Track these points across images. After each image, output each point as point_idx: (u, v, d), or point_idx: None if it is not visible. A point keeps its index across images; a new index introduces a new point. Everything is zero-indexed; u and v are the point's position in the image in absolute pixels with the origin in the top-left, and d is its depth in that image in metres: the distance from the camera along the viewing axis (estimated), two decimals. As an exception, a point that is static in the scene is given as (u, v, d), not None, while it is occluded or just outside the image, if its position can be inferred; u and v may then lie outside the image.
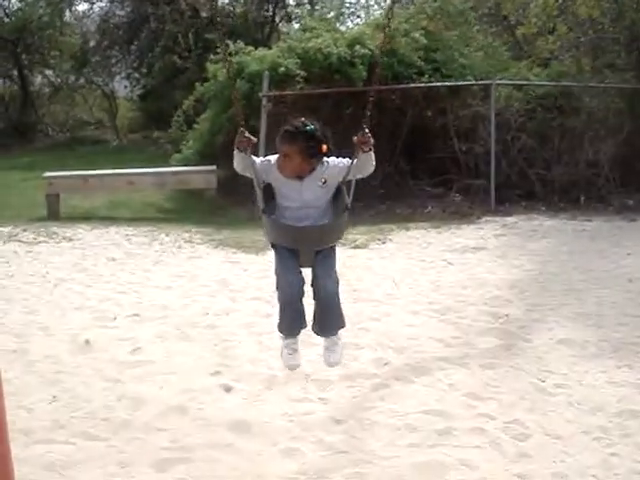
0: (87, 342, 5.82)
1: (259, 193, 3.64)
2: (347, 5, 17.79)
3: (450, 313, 6.56)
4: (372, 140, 3.48)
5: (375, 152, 3.56)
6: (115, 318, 6.49)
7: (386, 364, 5.41)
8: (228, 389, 4.97)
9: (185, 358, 5.55)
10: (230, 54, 12.07)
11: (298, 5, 21.74)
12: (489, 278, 7.77)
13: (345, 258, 7.66)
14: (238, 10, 22.12)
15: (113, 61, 22.72)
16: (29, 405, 4.69)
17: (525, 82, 12.84)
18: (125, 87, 23.06)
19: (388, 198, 12.02)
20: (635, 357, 5.48)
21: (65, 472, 3.93)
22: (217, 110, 12.54)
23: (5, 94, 23.36)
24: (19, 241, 9.63)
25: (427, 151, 12.54)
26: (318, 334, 3.88)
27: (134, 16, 21.89)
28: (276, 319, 3.82)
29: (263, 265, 7.83)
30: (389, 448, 4.18)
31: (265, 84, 11.46)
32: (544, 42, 13.67)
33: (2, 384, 2.90)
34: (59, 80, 23.63)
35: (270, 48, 13.27)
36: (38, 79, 24.11)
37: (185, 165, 12.74)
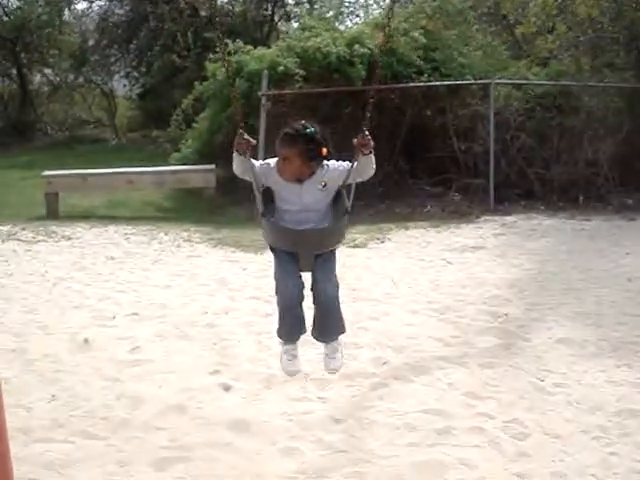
0: (86, 341, 5.81)
1: (258, 197, 3.61)
2: (346, 4, 17.79)
3: (449, 312, 6.56)
4: (372, 142, 3.45)
5: (375, 152, 3.53)
6: (114, 317, 6.49)
7: (385, 363, 5.41)
8: (227, 388, 4.97)
9: (184, 357, 5.55)
10: (229, 53, 12.06)
11: (297, 4, 21.72)
12: (488, 277, 7.78)
13: (344, 257, 7.64)
14: (237, 9, 22.12)
15: (112, 60, 22.69)
16: (28, 404, 4.68)
17: (524, 81, 12.85)
18: (124, 86, 23.04)
19: (387, 197, 12.02)
20: (634, 356, 5.48)
21: (64, 471, 3.92)
22: (216, 109, 12.53)
23: (4, 93, 23.36)
24: (18, 240, 9.63)
25: (426, 150, 12.54)
26: (318, 339, 3.84)
27: (133, 15, 21.88)
28: (275, 323, 3.79)
29: (262, 264, 7.83)
30: (388, 447, 4.18)
31: (264, 83, 11.46)
32: (543, 41, 13.68)
33: (1, 383, 2.90)
34: (58, 79, 23.63)
35: (269, 47, 13.26)
36: (37, 78, 24.12)
37: (184, 164, 12.73)
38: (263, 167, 3.61)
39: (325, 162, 3.57)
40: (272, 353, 5.16)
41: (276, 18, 22.62)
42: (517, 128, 12.25)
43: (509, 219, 11.02)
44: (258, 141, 11.04)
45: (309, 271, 3.66)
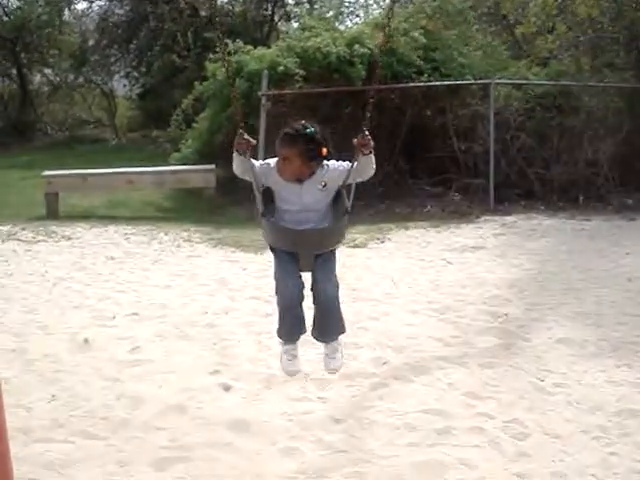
0: (86, 341, 5.81)
1: (258, 197, 3.61)
2: (346, 4, 17.80)
3: (449, 312, 6.56)
4: (372, 142, 3.44)
5: (374, 152, 3.52)
6: (114, 317, 6.49)
7: (385, 363, 5.41)
8: (227, 388, 4.97)
9: (184, 357, 5.55)
10: (230, 53, 12.06)
11: (297, 4, 21.72)
12: (488, 277, 7.77)
13: (344, 257, 7.63)
14: (237, 9, 22.12)
15: (112, 60, 22.68)
16: (28, 404, 4.68)
17: (524, 81, 12.85)
18: (124, 86, 23.04)
19: (387, 197, 12.02)
20: (634, 356, 5.48)
21: (64, 471, 3.92)
22: (216, 109, 12.53)
23: (4, 93, 23.36)
24: (18, 240, 9.63)
25: (426, 150, 12.53)
26: (318, 339, 3.84)
27: (133, 15, 21.87)
28: (275, 323, 3.79)
29: (262, 264, 7.83)
30: (388, 447, 4.18)
31: (264, 83, 11.46)
32: (543, 41, 13.68)
33: (1, 383, 2.90)
34: (58, 79, 23.63)
35: (269, 47, 13.26)
36: (37, 78, 24.12)
37: (184, 164, 12.73)
38: (263, 167, 3.61)
39: (325, 162, 3.56)
40: (272, 353, 5.16)
41: (276, 18, 22.63)
42: (517, 128, 12.25)
43: (509, 219, 11.03)
44: (258, 141, 11.05)
45: (309, 271, 3.65)
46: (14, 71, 23.05)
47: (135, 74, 22.54)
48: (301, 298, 3.64)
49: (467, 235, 9.98)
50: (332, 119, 11.83)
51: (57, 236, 9.88)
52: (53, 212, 11.34)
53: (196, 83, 13.46)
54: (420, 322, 6.34)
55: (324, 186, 3.57)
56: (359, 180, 3.59)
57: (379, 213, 11.50)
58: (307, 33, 12.72)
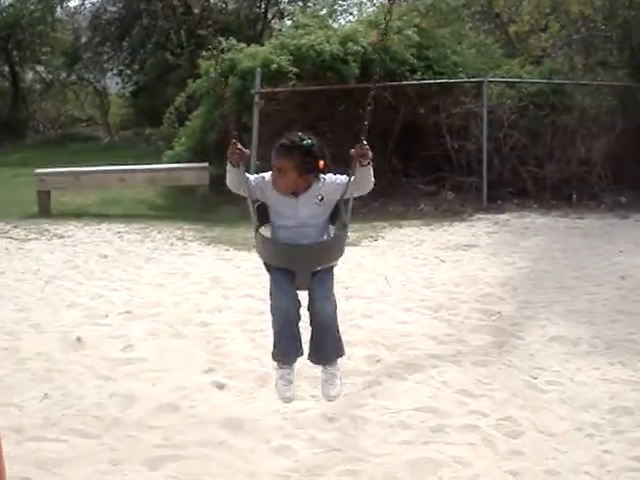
0: (79, 339, 5.79)
1: (252, 211, 3.49)
2: (340, 2, 17.80)
3: (442, 310, 6.56)
4: (370, 153, 3.32)
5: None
6: (107, 315, 6.46)
7: (378, 361, 5.40)
8: (221, 386, 4.96)
9: (177, 355, 5.53)
10: (222, 50, 12.04)
11: (290, 2, 21.73)
12: (481, 275, 7.78)
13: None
14: (230, 7, 22.11)
15: (105, 57, 22.66)
16: (20, 403, 4.66)
17: (517, 80, 12.87)
18: (117, 84, 23.00)
19: (381, 196, 11.98)
20: (627, 354, 5.49)
21: (56, 470, 3.90)
22: (209, 107, 12.52)
23: (-4, 90, 23.32)
24: (10, 238, 9.60)
25: (420, 149, 12.55)
26: (315, 363, 3.67)
27: (126, 12, 21.83)
28: (270, 345, 3.63)
29: (256, 262, 7.70)
30: (382, 445, 4.17)
31: (257, 81, 11.44)
32: (536, 40, 13.73)
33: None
34: (50, 76, 23.58)
35: (262, 45, 13.26)
36: (29, 75, 24.05)
37: (177, 162, 12.70)
38: (258, 180, 3.49)
39: (322, 175, 3.45)
40: (266, 351, 5.10)
41: (269, 16, 22.63)
42: (510, 126, 12.27)
43: (502, 217, 11.04)
44: (251, 140, 11.04)
45: (306, 289, 3.48)
46: (6, 68, 23.01)
47: (128, 72, 22.49)
48: (297, 317, 3.48)
49: (460, 233, 9.99)
50: (325, 117, 11.87)
51: (49, 234, 9.84)
52: (45, 210, 11.31)
53: (189, 81, 13.45)
54: (413, 320, 6.34)
55: (321, 200, 3.45)
56: (357, 194, 3.46)
57: (372, 211, 11.49)
58: (300, 31, 12.71)
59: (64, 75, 23.27)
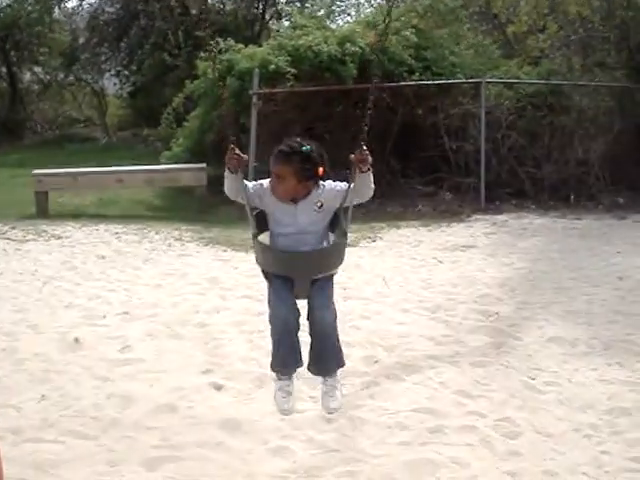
0: (76, 340, 5.78)
1: (251, 219, 3.47)
2: (337, 3, 17.80)
3: (440, 311, 6.56)
4: (370, 158, 3.29)
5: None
6: (105, 316, 6.46)
7: (376, 362, 5.40)
8: (218, 387, 4.95)
9: (175, 356, 5.52)
10: (220, 51, 12.04)
11: (288, 3, 21.73)
12: (479, 276, 7.79)
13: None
14: (228, 7, 22.10)
15: (102, 58, 22.61)
16: (18, 404, 4.65)
17: (515, 80, 12.88)
18: (114, 84, 22.94)
19: (379, 196, 11.88)
20: (625, 355, 5.50)
21: (54, 471, 3.90)
22: (207, 108, 12.52)
23: (-6, 91, 23.29)
24: (8, 239, 9.58)
25: (418, 150, 12.55)
26: (315, 374, 3.63)
27: (124, 13, 21.80)
28: (269, 356, 3.59)
29: (253, 263, 7.66)
30: (380, 446, 4.17)
31: (255, 82, 11.44)
32: (534, 40, 13.73)
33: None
34: (48, 77, 23.52)
35: (260, 45, 13.25)
36: (27, 76, 23.99)
37: (175, 163, 12.69)
38: (256, 188, 3.46)
39: (321, 182, 3.42)
40: (264, 352, 5.13)
41: (267, 16, 22.60)
42: (508, 127, 12.28)
43: (500, 218, 11.05)
44: (249, 141, 11.04)
45: (305, 298, 3.44)
46: (4, 69, 22.93)
47: (126, 72, 22.44)
48: (297, 327, 3.43)
49: (458, 234, 10.00)
50: (323, 118, 11.87)
51: (47, 235, 9.83)
52: (43, 211, 11.30)
53: (187, 81, 13.45)
54: (411, 321, 6.34)
55: (320, 207, 3.42)
56: (357, 202, 3.43)
57: (370, 212, 11.45)
58: (298, 31, 12.70)
59: (62, 76, 23.23)
